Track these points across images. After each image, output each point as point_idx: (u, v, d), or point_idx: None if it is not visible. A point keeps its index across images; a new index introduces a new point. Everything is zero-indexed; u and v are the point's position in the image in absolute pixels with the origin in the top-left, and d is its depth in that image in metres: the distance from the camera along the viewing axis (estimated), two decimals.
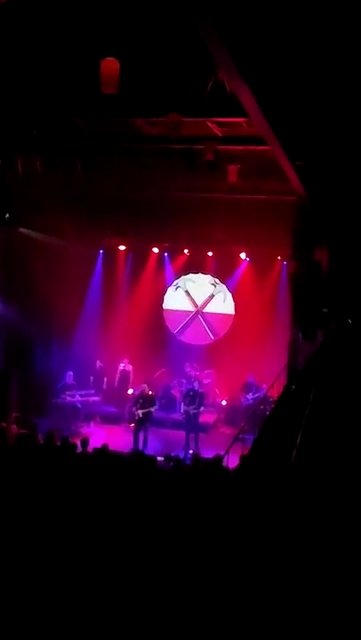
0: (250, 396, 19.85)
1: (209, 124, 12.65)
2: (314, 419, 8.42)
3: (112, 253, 22.78)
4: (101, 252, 22.65)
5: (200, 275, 22.72)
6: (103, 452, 12.99)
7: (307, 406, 8.89)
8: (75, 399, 19.65)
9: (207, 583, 5.76)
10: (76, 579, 6.74)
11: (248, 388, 20.11)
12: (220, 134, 13.19)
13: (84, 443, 13.74)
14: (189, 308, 22.95)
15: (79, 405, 19.62)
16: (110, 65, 9.08)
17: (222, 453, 12.62)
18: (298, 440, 7.86)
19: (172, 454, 13.79)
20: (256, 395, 19.55)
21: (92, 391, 20.51)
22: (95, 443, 14.36)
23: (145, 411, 17.78)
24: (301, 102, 9.04)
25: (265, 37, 7.09)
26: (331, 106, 9.13)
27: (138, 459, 13.16)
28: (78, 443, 13.65)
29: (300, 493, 6.81)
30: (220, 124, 12.75)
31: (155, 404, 18.31)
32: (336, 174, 11.23)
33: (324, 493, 6.69)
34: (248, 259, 21.39)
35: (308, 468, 7.34)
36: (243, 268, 21.77)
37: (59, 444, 13.62)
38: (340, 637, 5.02)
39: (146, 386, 18.43)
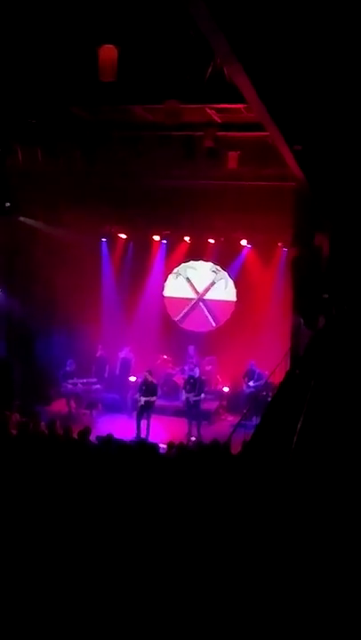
0: (252, 382, 19.86)
1: (208, 110, 12.64)
2: (315, 404, 8.44)
3: (113, 242, 22.76)
4: (104, 240, 22.65)
5: (201, 262, 22.67)
6: (107, 440, 12.99)
7: (308, 392, 8.90)
8: (77, 387, 19.67)
9: (210, 568, 5.78)
10: (79, 567, 6.77)
11: (250, 374, 20.11)
12: (220, 121, 13.18)
13: (86, 431, 13.75)
14: (190, 295, 22.93)
15: (81, 393, 19.65)
16: (108, 52, 9.05)
17: (221, 440, 12.63)
18: (299, 426, 7.88)
19: (175, 442, 13.80)
20: (258, 381, 19.56)
21: (94, 379, 20.51)
22: (97, 431, 14.38)
23: (147, 398, 17.80)
24: (299, 87, 9.02)
25: (261, 22, 7.07)
26: (329, 90, 9.12)
27: (140, 446, 13.18)
28: (80, 431, 13.67)
29: (301, 479, 6.84)
30: (219, 111, 12.74)
31: (157, 392, 18.32)
32: (335, 159, 11.22)
33: (324, 478, 6.71)
34: (249, 245, 21.36)
35: (309, 454, 7.36)
36: (244, 254, 21.74)
37: (61, 432, 13.64)
38: (340, 627, 5.04)
39: (148, 373, 18.43)
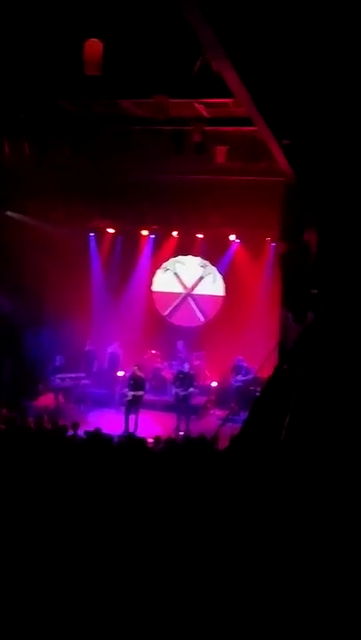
0: (240, 377, 19.89)
1: (196, 105, 12.62)
2: (303, 398, 8.44)
3: (101, 236, 22.74)
4: (92, 235, 22.62)
5: (189, 257, 22.68)
6: (95, 435, 12.99)
7: (296, 386, 8.90)
8: (65, 382, 19.65)
9: (200, 563, 5.78)
10: (67, 561, 6.76)
11: (237, 369, 20.15)
12: (208, 115, 13.15)
13: (75, 426, 13.75)
14: (179, 290, 22.92)
15: (69, 388, 19.64)
16: (94, 46, 9.03)
17: (209, 435, 12.65)
18: (287, 420, 7.88)
19: (163, 436, 13.81)
20: (246, 376, 19.58)
21: (83, 374, 20.50)
22: (86, 426, 14.38)
23: (135, 393, 17.80)
24: (288, 81, 9.00)
25: (248, 13, 7.05)
26: (318, 84, 9.10)
27: (129, 441, 13.18)
28: (69, 426, 13.67)
29: (289, 473, 6.84)
30: (207, 105, 12.72)
31: (145, 387, 18.34)
32: (324, 154, 11.21)
33: (312, 472, 6.72)
34: (238, 240, 21.38)
35: (297, 448, 7.37)
36: (232, 249, 21.76)
37: (49, 427, 13.63)
38: (337, 619, 5.04)
39: (137, 368, 18.44)
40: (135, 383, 17.95)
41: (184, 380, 18.52)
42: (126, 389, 18.05)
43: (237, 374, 20.05)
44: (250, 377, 19.12)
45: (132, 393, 17.77)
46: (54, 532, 7.49)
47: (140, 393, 17.97)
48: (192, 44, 9.17)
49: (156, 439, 13.47)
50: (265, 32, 7.56)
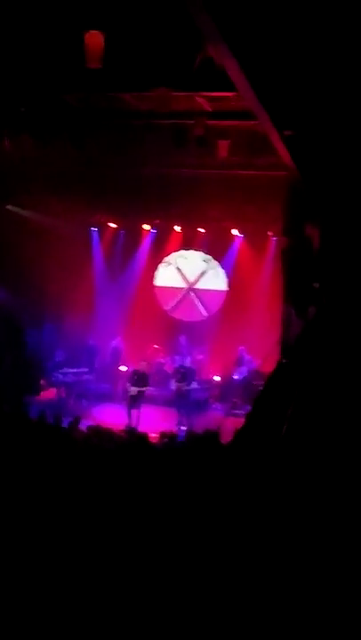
0: (243, 368, 19.85)
1: (198, 98, 12.55)
2: (305, 392, 8.42)
3: (103, 231, 22.70)
4: (95, 230, 22.58)
5: (192, 251, 22.63)
6: (96, 430, 12.97)
7: (298, 380, 8.88)
8: (67, 377, 19.66)
9: (203, 557, 5.76)
10: (69, 558, 6.74)
11: (240, 361, 20.13)
12: (210, 109, 13.09)
13: (76, 421, 13.73)
14: (181, 284, 22.88)
15: (71, 383, 19.63)
16: (95, 38, 8.97)
17: (213, 429, 12.63)
18: (289, 412, 7.87)
19: (166, 431, 13.79)
20: (249, 367, 19.56)
21: (85, 369, 20.49)
22: (88, 420, 14.36)
23: (139, 388, 17.79)
24: (290, 71, 8.92)
25: (251, 6, 6.98)
26: (321, 73, 9.02)
27: (131, 436, 13.16)
28: (71, 421, 13.65)
29: (291, 466, 6.82)
30: (209, 99, 12.65)
31: (148, 382, 18.34)
32: (326, 147, 11.14)
33: (313, 465, 6.70)
34: (240, 235, 21.33)
35: (299, 440, 7.35)
36: (235, 244, 21.71)
37: (51, 422, 13.59)
38: (335, 621, 5.01)
39: (145, 363, 18.52)
40: (139, 378, 17.94)
41: (185, 374, 18.53)
42: (129, 384, 18.01)
43: (240, 366, 20.02)
44: (252, 367, 19.09)
45: (136, 388, 17.75)
46: (56, 528, 7.47)
47: (144, 388, 17.97)
48: (193, 36, 9.11)
49: (161, 434, 13.47)
50: (266, 19, 7.49)
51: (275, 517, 5.99)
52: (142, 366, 18.36)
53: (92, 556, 6.71)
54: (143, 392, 17.97)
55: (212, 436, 12.38)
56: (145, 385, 18.04)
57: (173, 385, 19.06)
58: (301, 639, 4.94)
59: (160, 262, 22.97)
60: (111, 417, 17.48)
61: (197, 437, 13.24)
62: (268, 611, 5.04)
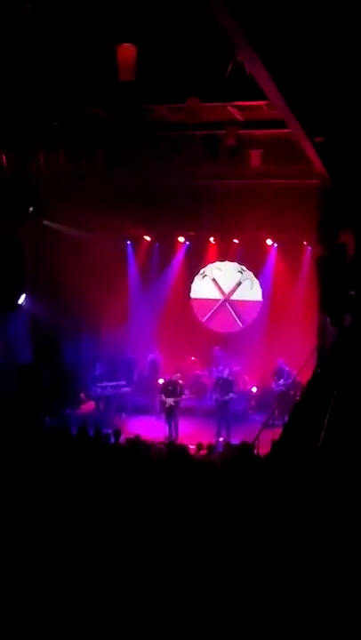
0: (281, 381, 19.73)
1: (230, 108, 12.55)
2: (341, 401, 8.36)
3: (138, 244, 22.78)
4: (129, 243, 22.68)
5: (227, 262, 22.62)
6: (136, 442, 13.00)
7: (334, 389, 8.83)
8: (106, 390, 19.73)
9: (242, 567, 5.74)
10: (108, 565, 6.77)
11: (279, 373, 20.01)
12: (242, 119, 13.08)
13: (117, 433, 13.77)
14: (217, 296, 22.85)
15: (110, 396, 19.69)
16: (127, 51, 8.99)
17: (249, 441, 12.61)
18: (325, 422, 7.81)
19: (204, 443, 13.77)
20: (288, 380, 19.44)
21: (123, 382, 20.54)
22: (127, 433, 14.41)
23: (174, 399, 17.83)
24: (320, 79, 8.90)
25: (278, 11, 6.97)
26: (352, 82, 8.99)
27: (171, 448, 13.19)
28: (111, 433, 13.70)
29: (328, 476, 6.77)
30: (240, 109, 12.65)
31: (183, 393, 18.36)
32: (358, 152, 11.09)
33: (351, 475, 6.64)
34: (275, 244, 21.27)
35: (336, 449, 7.29)
36: (270, 254, 21.64)
37: (92, 435, 13.65)
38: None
39: (179, 375, 18.53)
40: (172, 389, 17.99)
41: (223, 385, 18.52)
42: (162, 396, 18.07)
43: (280, 378, 19.91)
44: (291, 380, 18.99)
45: (171, 399, 17.78)
46: (100, 536, 7.53)
47: (179, 399, 17.99)
48: (223, 46, 9.12)
49: (198, 445, 13.46)
50: (295, 26, 7.48)
51: (313, 527, 5.95)
52: (175, 377, 18.40)
53: (137, 562, 6.76)
54: (178, 402, 17.99)
55: (246, 448, 12.36)
56: (179, 395, 18.07)
57: (213, 396, 19.02)
58: None
59: (195, 274, 22.97)
60: (149, 429, 17.50)
61: (235, 449, 13.23)
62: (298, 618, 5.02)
